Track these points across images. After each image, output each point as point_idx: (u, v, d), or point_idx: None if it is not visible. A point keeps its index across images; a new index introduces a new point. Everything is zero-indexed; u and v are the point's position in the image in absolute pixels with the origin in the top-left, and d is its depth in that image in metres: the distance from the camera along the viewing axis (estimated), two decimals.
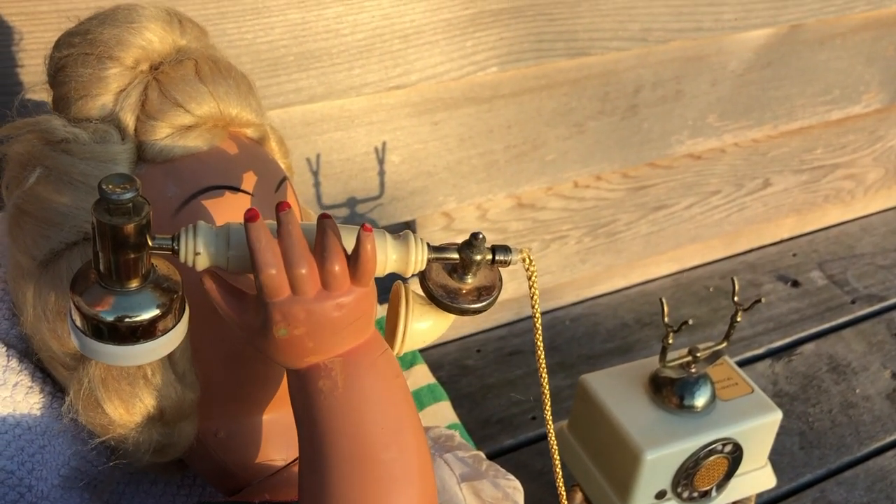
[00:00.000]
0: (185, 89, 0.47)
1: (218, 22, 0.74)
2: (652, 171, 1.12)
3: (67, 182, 0.45)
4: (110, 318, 0.39)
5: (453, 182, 0.97)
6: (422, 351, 0.95)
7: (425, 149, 0.93)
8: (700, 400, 0.77)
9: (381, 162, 0.91)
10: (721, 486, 0.80)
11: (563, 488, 0.62)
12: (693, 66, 1.05)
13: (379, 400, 0.43)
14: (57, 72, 0.49)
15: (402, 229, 0.98)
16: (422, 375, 0.78)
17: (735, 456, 0.78)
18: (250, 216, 0.40)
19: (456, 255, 0.46)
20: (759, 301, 0.76)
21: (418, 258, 0.44)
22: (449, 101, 0.91)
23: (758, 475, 0.83)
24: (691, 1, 0.98)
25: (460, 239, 0.47)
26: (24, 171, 0.46)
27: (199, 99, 0.48)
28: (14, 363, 0.49)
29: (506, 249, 0.46)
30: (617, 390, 0.78)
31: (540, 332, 0.52)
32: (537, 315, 0.51)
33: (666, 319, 0.74)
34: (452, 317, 0.51)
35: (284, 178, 0.52)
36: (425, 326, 0.51)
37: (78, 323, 0.40)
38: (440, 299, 0.47)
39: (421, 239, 0.45)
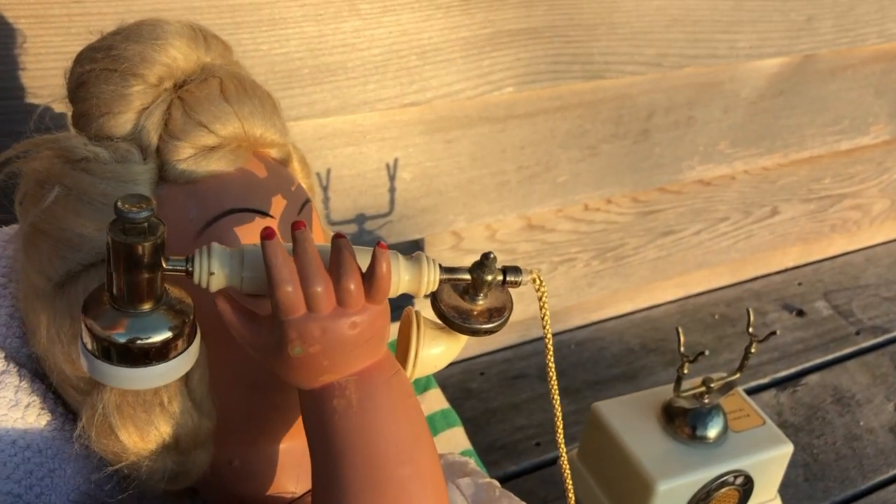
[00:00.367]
0: (210, 109, 0.46)
1: (233, 32, 0.74)
2: (662, 196, 1.12)
3: (87, 202, 0.44)
4: (123, 340, 0.39)
5: (464, 201, 0.96)
6: None
7: (437, 167, 0.92)
8: (713, 431, 0.76)
9: (391, 179, 0.90)
10: None
11: None
12: (706, 92, 1.04)
13: (393, 418, 0.43)
14: (78, 87, 0.47)
15: (411, 247, 0.98)
16: (436, 400, 0.77)
17: (746, 488, 0.77)
18: (267, 234, 0.40)
19: (467, 276, 0.46)
20: (773, 333, 0.75)
21: (430, 279, 0.44)
22: (463, 119, 0.90)
23: None
24: (708, 28, 0.98)
25: (469, 259, 0.46)
26: (42, 188, 0.45)
27: (223, 119, 0.47)
28: (26, 383, 0.47)
29: (516, 270, 0.46)
30: (629, 419, 0.77)
31: (551, 352, 0.51)
32: (549, 337, 0.51)
33: (682, 349, 0.73)
34: (463, 342, 0.51)
35: (308, 201, 0.51)
36: (437, 352, 0.51)
37: (89, 346, 0.40)
38: (452, 320, 0.47)
39: (433, 260, 0.45)
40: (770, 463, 0.78)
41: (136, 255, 0.38)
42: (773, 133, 1.14)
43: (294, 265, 0.40)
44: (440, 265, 0.45)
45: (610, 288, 1.16)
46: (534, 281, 0.48)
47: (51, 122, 0.53)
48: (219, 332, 0.44)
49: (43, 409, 0.48)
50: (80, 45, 0.50)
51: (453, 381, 1.07)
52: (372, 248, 0.42)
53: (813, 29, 1.06)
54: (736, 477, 0.75)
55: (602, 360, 1.13)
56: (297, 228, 0.41)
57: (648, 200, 1.11)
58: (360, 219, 0.92)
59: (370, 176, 0.89)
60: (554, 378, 0.53)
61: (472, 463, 0.61)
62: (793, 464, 1.00)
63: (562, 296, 1.12)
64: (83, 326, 0.40)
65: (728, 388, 0.77)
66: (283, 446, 0.51)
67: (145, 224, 0.38)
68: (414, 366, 0.50)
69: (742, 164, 1.15)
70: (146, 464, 0.45)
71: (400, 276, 0.43)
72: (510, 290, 0.48)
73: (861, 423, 1.08)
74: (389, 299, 0.44)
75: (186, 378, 0.45)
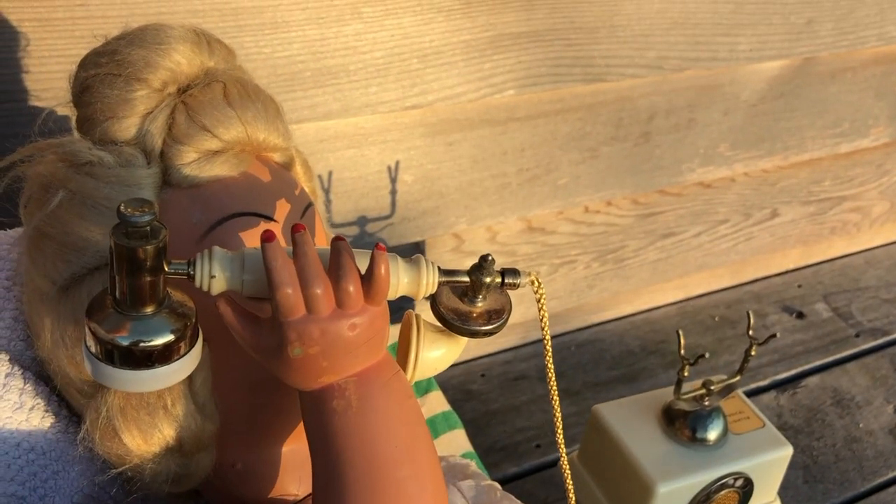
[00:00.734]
0: (213, 113, 0.47)
1: (236, 35, 0.74)
2: (662, 199, 1.12)
3: (91, 206, 0.44)
4: (126, 343, 0.40)
5: (465, 203, 0.96)
6: None
7: (438, 169, 0.92)
8: (713, 433, 0.76)
9: (393, 181, 0.91)
10: None
11: None
12: (706, 95, 1.05)
13: (392, 419, 0.43)
14: (82, 92, 0.48)
15: (412, 250, 0.98)
16: (437, 402, 0.77)
17: (746, 490, 0.78)
18: (267, 237, 0.41)
19: (466, 278, 0.46)
20: (774, 336, 0.75)
21: (429, 281, 0.44)
22: (464, 122, 0.90)
23: None
24: (708, 31, 0.99)
25: (469, 261, 0.47)
26: (46, 192, 0.45)
27: (226, 123, 0.47)
28: (31, 386, 0.48)
29: (515, 272, 0.47)
30: (629, 421, 0.77)
31: (550, 353, 0.52)
32: (547, 338, 0.51)
33: (682, 352, 0.73)
34: (463, 345, 0.51)
35: (310, 204, 0.51)
36: (437, 355, 0.51)
37: (93, 349, 0.40)
38: (451, 322, 0.47)
39: (432, 262, 0.45)
40: (770, 465, 0.78)
41: (139, 258, 0.38)
42: (774, 135, 1.15)
43: (294, 267, 0.41)
44: (439, 268, 0.45)
45: (610, 290, 1.16)
46: (532, 283, 0.48)
47: (55, 125, 0.54)
48: (221, 335, 0.44)
49: (47, 411, 0.48)
50: (83, 48, 0.50)
51: (454, 382, 1.07)
52: (371, 251, 0.42)
53: (813, 32, 1.07)
54: (736, 479, 0.76)
55: (602, 362, 1.13)
56: (296, 231, 0.41)
57: (649, 203, 1.11)
58: (362, 221, 0.92)
59: (372, 178, 0.89)
60: (553, 379, 0.53)
61: (474, 465, 0.61)
62: (792, 466, 1.00)
63: (562, 298, 1.13)
64: (87, 329, 0.40)
65: (728, 390, 0.77)
66: (285, 449, 0.51)
67: (147, 228, 0.38)
68: (414, 368, 0.50)
69: (742, 166, 1.15)
70: (150, 466, 0.46)
71: (399, 279, 0.44)
72: (509, 291, 0.49)
73: (861, 425, 1.08)
74: (390, 303, 0.44)
75: (190, 381, 0.45)
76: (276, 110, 0.51)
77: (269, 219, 0.47)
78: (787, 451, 0.78)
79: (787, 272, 1.35)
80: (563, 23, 0.89)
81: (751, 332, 0.75)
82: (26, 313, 0.49)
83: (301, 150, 0.58)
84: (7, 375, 0.47)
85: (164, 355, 0.40)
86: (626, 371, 1.12)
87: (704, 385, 0.76)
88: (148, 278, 0.39)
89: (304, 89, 0.79)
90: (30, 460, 0.47)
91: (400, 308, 0.56)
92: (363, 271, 0.42)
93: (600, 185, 1.04)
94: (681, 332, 0.73)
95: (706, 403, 0.76)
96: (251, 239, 0.46)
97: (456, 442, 0.75)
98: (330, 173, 0.87)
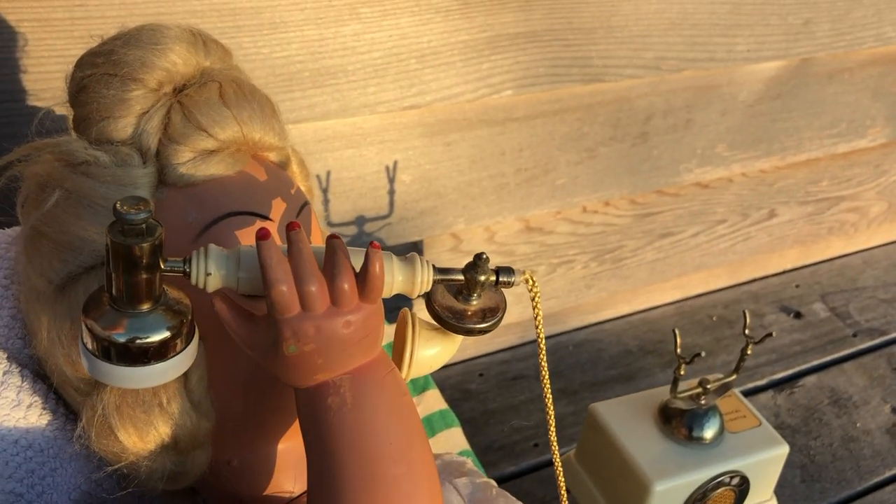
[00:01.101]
0: (209, 113, 0.47)
1: (234, 35, 0.74)
2: (659, 199, 1.12)
3: (87, 205, 0.44)
4: (122, 340, 0.40)
5: (463, 203, 0.96)
6: None
7: (436, 169, 0.92)
8: (709, 432, 0.76)
9: (391, 181, 0.91)
10: None
11: None
12: (704, 95, 1.05)
13: (387, 416, 0.43)
14: (79, 91, 0.48)
15: (410, 249, 0.98)
16: (434, 401, 0.77)
17: (742, 489, 0.78)
18: (262, 235, 0.41)
19: (460, 276, 0.46)
20: (770, 335, 0.75)
21: (424, 279, 0.45)
22: (462, 122, 0.91)
23: None
24: (705, 32, 0.99)
25: (467, 261, 0.47)
26: (43, 192, 0.46)
27: (222, 123, 0.47)
28: (28, 384, 0.48)
29: (509, 271, 0.47)
30: (626, 420, 0.78)
31: (544, 352, 0.52)
32: (541, 336, 0.51)
33: (679, 351, 0.74)
34: (458, 343, 0.52)
35: (306, 203, 0.51)
36: (432, 353, 0.51)
37: (89, 346, 0.41)
38: (447, 320, 0.48)
39: (426, 260, 0.45)
40: (766, 464, 0.78)
41: (135, 256, 0.38)
42: (771, 136, 1.15)
43: (289, 265, 0.41)
44: (434, 266, 0.45)
45: (608, 290, 1.17)
46: (526, 281, 0.48)
47: (52, 125, 0.54)
48: (217, 332, 0.44)
49: (44, 409, 0.48)
50: (82, 48, 0.50)
51: (452, 382, 1.07)
52: (366, 249, 0.43)
53: (810, 33, 1.07)
54: (732, 477, 0.76)
55: (600, 362, 1.14)
56: (291, 229, 0.42)
57: (646, 203, 1.11)
58: (360, 221, 0.92)
59: (370, 178, 0.89)
60: (546, 377, 0.53)
61: (470, 463, 0.61)
62: (790, 465, 1.00)
63: (560, 297, 1.13)
64: (83, 327, 0.40)
65: (724, 389, 0.77)
66: (281, 446, 0.51)
67: (143, 225, 0.38)
68: (409, 366, 0.50)
69: (740, 166, 1.15)
70: (145, 464, 0.46)
71: (394, 277, 0.44)
72: (503, 290, 0.49)
73: (858, 424, 1.08)
74: (386, 303, 0.45)
75: (185, 379, 0.45)
76: (272, 110, 0.51)
77: (265, 218, 0.48)
78: (784, 450, 0.78)
79: (784, 272, 1.35)
80: (560, 23, 0.90)
81: (747, 331, 0.75)
82: (24, 312, 0.49)
83: (297, 150, 0.58)
84: (5, 373, 0.48)
85: (161, 352, 0.41)
86: (624, 371, 1.12)
87: (701, 384, 0.76)
88: (144, 276, 0.39)
89: (302, 89, 0.80)
90: (27, 457, 0.47)
91: (396, 308, 0.56)
92: (358, 269, 0.42)
93: (598, 185, 1.05)
94: (677, 331, 0.74)
95: (702, 402, 0.76)
96: (247, 238, 0.46)
97: (453, 440, 0.76)
98: (328, 173, 0.87)
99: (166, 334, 0.40)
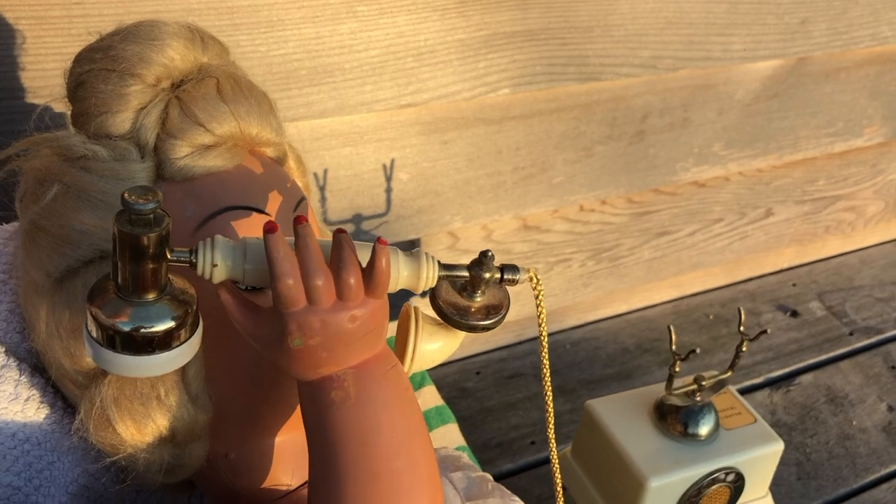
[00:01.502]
0: (206, 108, 0.47)
1: (231, 33, 0.74)
2: (656, 197, 1.12)
3: (86, 199, 0.45)
4: (127, 329, 0.40)
5: (460, 202, 0.97)
6: None
7: (434, 168, 0.93)
8: (704, 428, 0.77)
9: (388, 179, 0.91)
10: None
11: None
12: (701, 94, 1.05)
13: (390, 411, 0.44)
14: (77, 87, 0.48)
15: (408, 247, 0.98)
16: (430, 397, 0.77)
17: (737, 485, 0.78)
18: (269, 228, 0.41)
19: (465, 273, 0.47)
20: (764, 332, 0.76)
21: (429, 275, 0.45)
22: (459, 120, 0.91)
23: None
24: (702, 31, 0.99)
25: (465, 259, 0.47)
26: (41, 186, 0.46)
27: (219, 118, 0.47)
28: (26, 377, 0.48)
29: (514, 268, 0.47)
30: (622, 417, 0.78)
31: (546, 349, 0.52)
32: (544, 334, 0.52)
33: (674, 347, 0.74)
34: (461, 338, 0.52)
35: (303, 198, 0.52)
36: (434, 347, 0.51)
37: (94, 334, 0.41)
38: (450, 316, 0.48)
39: (432, 256, 0.46)
40: (761, 460, 0.79)
41: (142, 245, 0.39)
42: (768, 135, 1.15)
43: (295, 259, 0.41)
44: (439, 262, 0.46)
45: (605, 288, 1.17)
46: (531, 279, 0.48)
47: (51, 121, 0.54)
48: (221, 324, 0.44)
49: (42, 402, 0.49)
50: (79, 46, 0.50)
51: (449, 380, 1.07)
52: (372, 244, 0.43)
53: (807, 32, 1.07)
54: (727, 474, 0.76)
55: (597, 360, 1.14)
56: (299, 223, 0.42)
57: (643, 201, 1.12)
58: (357, 219, 0.92)
59: (367, 176, 0.90)
60: (547, 374, 0.53)
61: (465, 457, 0.62)
62: (786, 463, 1.01)
63: (557, 296, 1.13)
64: (88, 315, 0.41)
65: (719, 386, 0.77)
66: (278, 440, 0.51)
67: (151, 215, 0.38)
68: (412, 360, 0.51)
69: (736, 165, 1.15)
70: (143, 456, 0.46)
71: (399, 272, 0.44)
72: (507, 287, 0.49)
73: (854, 422, 1.08)
74: (390, 297, 0.45)
75: (183, 372, 0.45)
76: (269, 106, 0.51)
77: (262, 212, 0.48)
78: (779, 447, 0.79)
79: (781, 271, 1.36)
80: (557, 22, 0.90)
81: (742, 329, 0.75)
82: (22, 305, 0.49)
83: (294, 146, 0.58)
84: (3, 367, 0.48)
85: (165, 341, 0.41)
86: (621, 369, 1.13)
87: (696, 380, 0.77)
88: (150, 265, 0.40)
89: (299, 87, 0.80)
90: (25, 451, 0.47)
91: (398, 305, 0.57)
92: (364, 264, 0.43)
93: (595, 183, 1.05)
94: (672, 328, 0.74)
95: (698, 399, 0.77)
96: (244, 232, 0.47)
97: (449, 436, 0.76)
98: (325, 171, 0.87)
99: (171, 324, 0.41)
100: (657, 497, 0.74)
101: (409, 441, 0.44)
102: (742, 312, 0.76)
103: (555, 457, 0.57)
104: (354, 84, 0.83)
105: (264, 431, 0.51)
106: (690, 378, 0.78)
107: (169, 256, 0.40)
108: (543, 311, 0.51)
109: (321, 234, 0.59)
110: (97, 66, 0.47)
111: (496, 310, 0.48)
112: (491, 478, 0.59)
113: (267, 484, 0.51)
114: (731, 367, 0.77)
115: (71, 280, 0.45)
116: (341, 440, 0.42)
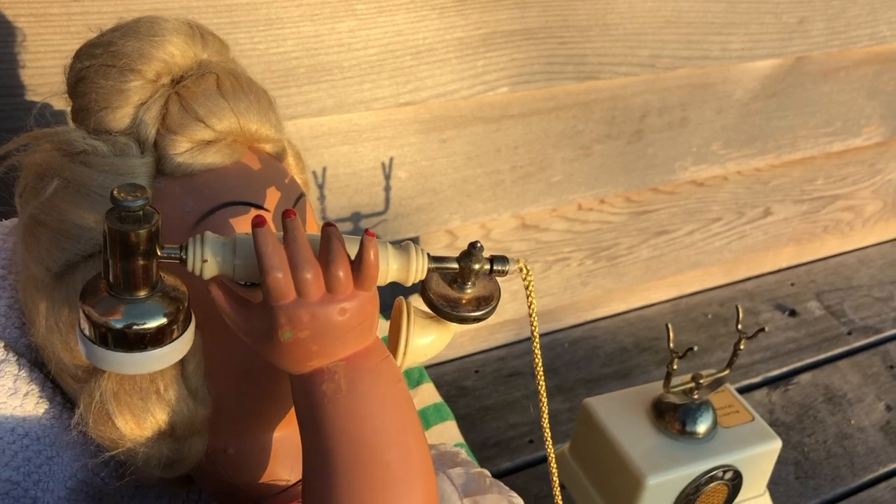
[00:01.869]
0: (206, 104, 0.47)
1: (230, 31, 0.74)
2: (655, 197, 1.13)
3: (85, 194, 0.45)
4: (119, 326, 0.40)
5: (459, 200, 0.97)
6: None
7: (432, 166, 0.93)
8: (702, 426, 0.77)
9: (387, 177, 0.91)
10: None
11: None
12: (699, 93, 1.06)
13: (382, 403, 0.44)
14: (77, 82, 0.48)
15: None
16: (428, 394, 0.77)
17: (735, 483, 0.78)
18: (257, 222, 0.41)
19: (455, 265, 0.47)
20: (762, 330, 0.76)
21: (418, 267, 0.45)
22: (458, 119, 0.91)
23: (756, 503, 0.83)
24: (700, 30, 0.99)
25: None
26: (41, 181, 0.46)
27: (219, 114, 0.48)
28: (25, 372, 0.48)
29: (503, 259, 0.47)
30: (619, 414, 0.78)
31: (537, 340, 0.53)
32: (535, 325, 0.52)
33: (671, 345, 0.74)
34: (453, 332, 0.52)
35: (302, 195, 0.52)
36: (427, 341, 0.52)
37: (87, 332, 0.41)
38: (441, 308, 0.48)
39: (421, 249, 0.46)
40: (759, 458, 0.79)
41: (132, 242, 0.39)
42: (766, 134, 1.16)
43: (284, 252, 0.41)
44: (428, 254, 0.46)
45: (603, 287, 1.17)
46: (520, 270, 0.49)
47: (51, 117, 0.54)
48: (213, 320, 0.45)
49: (41, 397, 0.49)
50: (78, 43, 0.50)
51: (448, 378, 1.08)
52: (361, 237, 0.43)
53: (805, 31, 1.08)
54: (725, 472, 0.76)
55: (596, 359, 1.14)
56: (287, 217, 0.42)
57: (641, 200, 1.12)
58: (356, 217, 0.92)
59: (365, 174, 0.90)
60: (539, 365, 0.53)
61: (463, 453, 0.62)
62: (784, 462, 1.01)
63: (555, 295, 1.13)
64: (81, 313, 0.41)
65: (717, 384, 0.78)
66: (277, 435, 0.51)
67: (140, 212, 0.39)
68: (405, 354, 0.51)
69: (735, 164, 1.16)
70: (142, 451, 0.46)
71: (388, 265, 0.44)
72: (497, 279, 0.50)
73: (852, 421, 1.08)
74: (383, 297, 0.45)
75: (182, 366, 0.45)
76: (269, 102, 0.52)
77: (261, 207, 0.48)
78: (776, 445, 0.79)
79: (779, 270, 1.36)
80: (555, 21, 0.90)
81: (739, 327, 0.75)
82: (21, 300, 0.50)
83: (293, 143, 0.58)
84: (2, 362, 0.48)
85: (157, 338, 0.41)
86: (620, 368, 1.13)
87: (694, 378, 0.77)
88: (141, 262, 0.40)
89: (298, 85, 0.80)
90: (24, 446, 0.47)
91: (387, 303, 0.57)
92: (353, 257, 0.43)
93: (593, 182, 1.05)
94: (669, 326, 0.74)
95: (695, 397, 0.77)
96: (243, 227, 0.47)
97: (447, 433, 0.76)
98: (324, 169, 0.87)
99: (163, 321, 0.41)
100: (655, 495, 0.74)
101: (402, 433, 0.44)
102: (740, 310, 0.76)
103: (551, 453, 0.57)
104: (353, 82, 0.83)
105: (262, 427, 0.51)
106: (688, 376, 0.78)
107: (159, 253, 0.41)
108: (534, 301, 0.51)
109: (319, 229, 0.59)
110: (97, 62, 0.47)
111: (487, 301, 0.49)
112: (489, 474, 0.59)
113: (265, 479, 0.51)
114: (729, 364, 0.77)
115: (70, 275, 0.45)
116: (333, 432, 0.42)
